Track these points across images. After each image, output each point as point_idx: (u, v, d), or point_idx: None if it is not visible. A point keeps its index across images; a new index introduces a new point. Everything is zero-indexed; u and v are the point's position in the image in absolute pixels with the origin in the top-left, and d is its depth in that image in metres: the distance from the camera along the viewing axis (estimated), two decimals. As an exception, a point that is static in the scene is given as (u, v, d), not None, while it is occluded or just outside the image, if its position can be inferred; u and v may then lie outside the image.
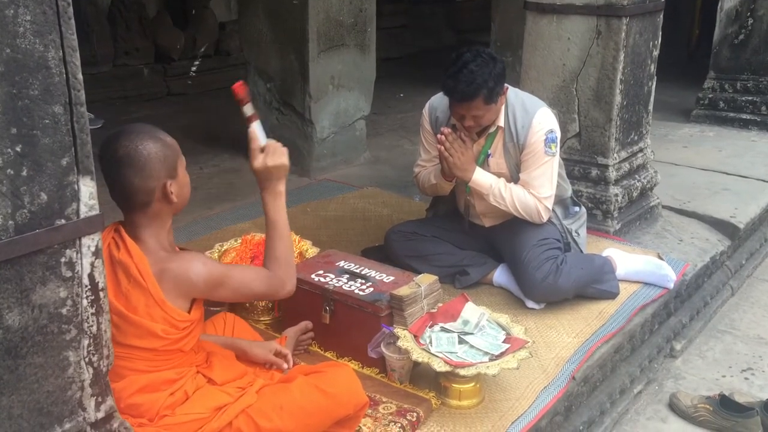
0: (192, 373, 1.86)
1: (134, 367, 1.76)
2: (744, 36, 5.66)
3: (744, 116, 5.66)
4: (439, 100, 2.92)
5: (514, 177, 2.84)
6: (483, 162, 2.83)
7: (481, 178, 2.79)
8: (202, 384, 1.86)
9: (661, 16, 3.55)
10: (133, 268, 1.72)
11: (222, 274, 1.81)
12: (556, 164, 2.81)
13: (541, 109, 2.79)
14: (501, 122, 2.79)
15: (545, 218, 2.84)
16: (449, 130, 2.73)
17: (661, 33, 3.57)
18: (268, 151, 1.90)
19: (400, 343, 2.23)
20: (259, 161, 1.89)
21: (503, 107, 2.78)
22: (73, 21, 1.30)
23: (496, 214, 2.96)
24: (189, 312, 1.80)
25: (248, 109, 1.92)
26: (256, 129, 1.91)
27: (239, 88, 1.91)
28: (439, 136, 2.73)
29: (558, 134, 2.80)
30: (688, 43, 8.41)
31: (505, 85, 2.72)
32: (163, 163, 1.76)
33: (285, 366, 2.16)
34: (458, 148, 2.72)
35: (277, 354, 2.18)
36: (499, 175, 2.82)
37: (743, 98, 5.69)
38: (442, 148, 2.71)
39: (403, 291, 2.35)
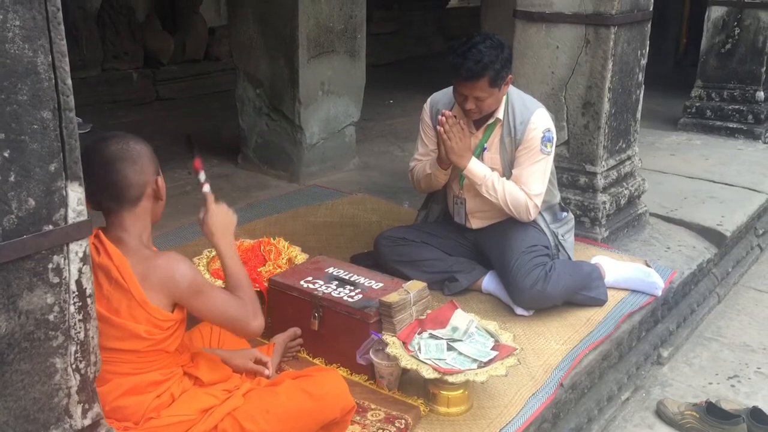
0: (178, 374, 1.85)
1: (118, 370, 1.75)
2: (731, 45, 5.71)
3: (730, 125, 5.71)
4: (441, 95, 2.97)
5: (506, 174, 2.87)
6: (478, 156, 2.86)
7: (475, 167, 2.80)
8: (189, 386, 1.86)
9: (649, 26, 3.58)
10: (114, 270, 1.72)
11: (204, 284, 1.84)
12: (550, 163, 2.85)
13: (540, 109, 2.86)
14: (500, 114, 2.81)
15: (533, 216, 2.86)
16: (451, 113, 2.76)
17: (649, 42, 3.60)
18: (221, 210, 2.01)
19: (388, 349, 2.23)
20: (215, 220, 1.99)
21: (504, 101, 2.81)
22: (62, 26, 1.30)
23: (485, 215, 2.98)
24: (172, 312, 1.80)
25: (202, 177, 2.04)
26: (209, 192, 2.03)
27: (197, 163, 2.06)
28: (440, 117, 2.75)
29: (554, 136, 2.85)
30: (676, 51, 8.48)
31: (510, 75, 2.75)
32: (151, 160, 1.83)
33: (267, 372, 2.14)
34: (457, 132, 2.75)
35: (257, 361, 2.17)
36: (492, 170, 2.84)
37: (730, 107, 5.74)
38: (442, 129, 2.73)
39: (392, 297, 2.35)
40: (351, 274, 2.58)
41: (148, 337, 1.75)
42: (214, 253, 2.90)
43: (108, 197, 1.77)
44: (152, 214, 1.86)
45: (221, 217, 2.00)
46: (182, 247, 3.28)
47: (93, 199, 1.75)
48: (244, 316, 1.89)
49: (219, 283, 2.39)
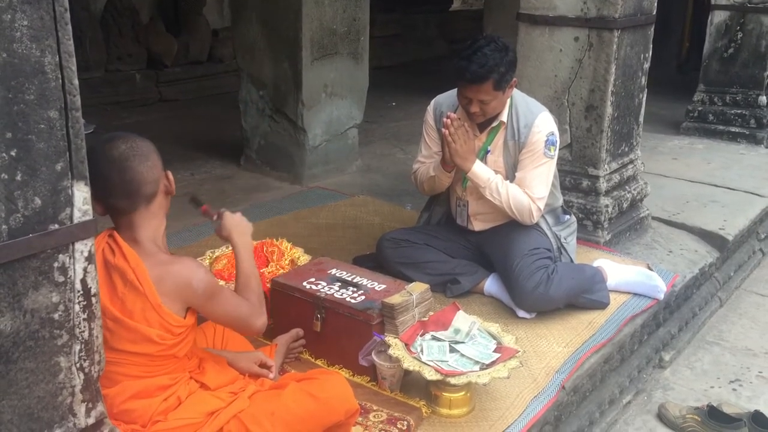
0: (185, 378, 1.86)
1: (128, 372, 1.76)
2: (733, 50, 5.71)
3: (733, 129, 5.71)
4: (444, 98, 2.97)
5: (509, 177, 2.87)
6: (482, 158, 2.86)
7: (479, 170, 2.81)
8: (195, 389, 1.86)
9: (652, 29, 3.58)
10: (130, 272, 1.72)
11: (217, 288, 1.85)
12: (553, 167, 2.85)
13: (544, 112, 2.86)
14: (504, 117, 2.82)
15: (536, 219, 2.86)
16: (456, 116, 2.76)
17: (651, 46, 3.60)
18: (236, 220, 2.09)
19: (391, 351, 2.23)
20: (232, 222, 2.08)
21: (508, 104, 2.82)
22: (69, 26, 1.30)
23: (488, 218, 2.98)
24: (184, 317, 1.80)
25: (214, 219, 2.12)
26: (224, 210, 2.13)
27: (206, 210, 2.14)
28: (445, 119, 2.76)
29: (558, 139, 2.85)
30: (679, 55, 8.48)
31: (514, 78, 2.75)
32: (158, 156, 1.82)
33: (271, 375, 2.15)
34: (462, 135, 2.75)
35: (262, 365, 2.18)
36: (495, 173, 2.84)
37: (732, 111, 5.74)
38: (447, 132, 2.74)
39: (395, 299, 2.35)
40: (354, 276, 2.59)
41: (160, 342, 1.75)
42: (217, 253, 2.91)
43: (122, 197, 1.75)
44: (165, 209, 1.87)
45: (237, 221, 2.08)
46: (184, 248, 3.29)
47: (102, 202, 1.75)
48: (249, 316, 1.92)
49: (222, 283, 2.40)
